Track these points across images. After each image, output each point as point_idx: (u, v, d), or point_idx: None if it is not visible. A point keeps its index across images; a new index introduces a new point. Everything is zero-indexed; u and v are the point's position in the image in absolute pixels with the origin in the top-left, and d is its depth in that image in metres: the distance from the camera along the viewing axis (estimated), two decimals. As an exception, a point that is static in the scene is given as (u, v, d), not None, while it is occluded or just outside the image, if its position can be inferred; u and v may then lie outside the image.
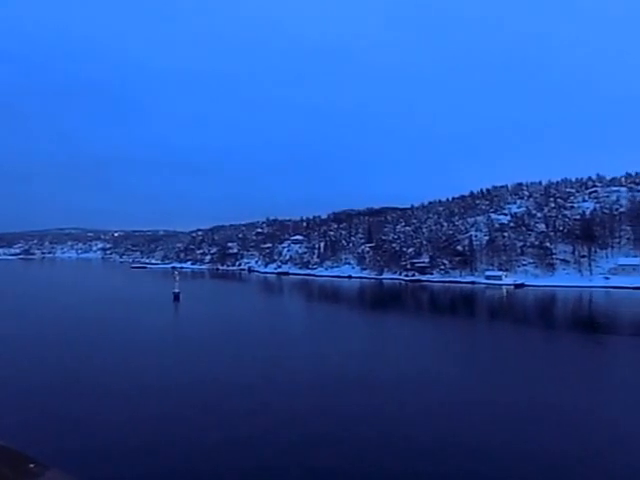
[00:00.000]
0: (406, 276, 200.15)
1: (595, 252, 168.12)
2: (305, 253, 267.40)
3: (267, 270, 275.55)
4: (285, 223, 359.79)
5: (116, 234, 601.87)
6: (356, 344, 66.41)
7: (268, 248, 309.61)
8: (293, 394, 42.45)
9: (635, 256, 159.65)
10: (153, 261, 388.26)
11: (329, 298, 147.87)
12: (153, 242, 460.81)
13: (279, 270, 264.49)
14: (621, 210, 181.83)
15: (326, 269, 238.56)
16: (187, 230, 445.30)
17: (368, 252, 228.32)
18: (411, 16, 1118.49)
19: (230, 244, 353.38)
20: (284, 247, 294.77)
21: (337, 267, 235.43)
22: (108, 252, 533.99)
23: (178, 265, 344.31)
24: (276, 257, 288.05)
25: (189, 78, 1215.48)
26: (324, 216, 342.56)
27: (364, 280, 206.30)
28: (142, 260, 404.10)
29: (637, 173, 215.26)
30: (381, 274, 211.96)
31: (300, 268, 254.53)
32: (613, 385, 45.82)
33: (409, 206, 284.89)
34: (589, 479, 26.08)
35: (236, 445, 31.04)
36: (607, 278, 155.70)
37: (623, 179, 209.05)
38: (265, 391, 43.32)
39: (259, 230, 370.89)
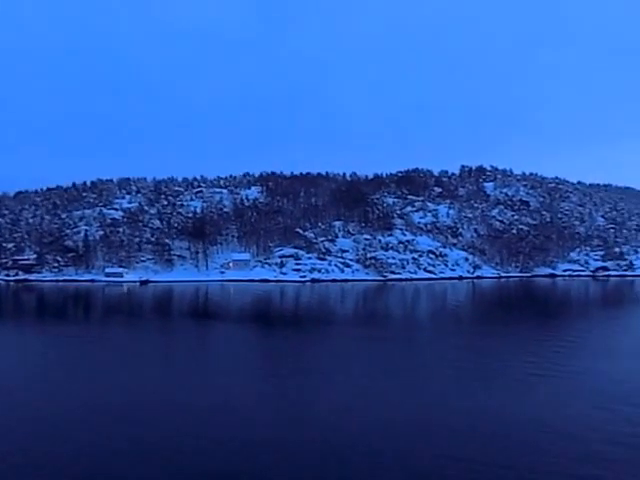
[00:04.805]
0: (7, 276, 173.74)
1: (208, 248, 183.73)
2: None
3: None
4: None
5: None
6: None
7: None
8: None
9: (243, 252, 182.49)
10: None
11: None
12: None
13: None
14: (225, 210, 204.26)
15: None
16: None
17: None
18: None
19: None
20: None
21: None
22: None
23: None
24: None
25: None
26: None
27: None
28: None
29: (227, 177, 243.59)
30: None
31: None
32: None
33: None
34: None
35: None
36: (223, 272, 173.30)
37: (222, 181, 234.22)
38: None
39: None
